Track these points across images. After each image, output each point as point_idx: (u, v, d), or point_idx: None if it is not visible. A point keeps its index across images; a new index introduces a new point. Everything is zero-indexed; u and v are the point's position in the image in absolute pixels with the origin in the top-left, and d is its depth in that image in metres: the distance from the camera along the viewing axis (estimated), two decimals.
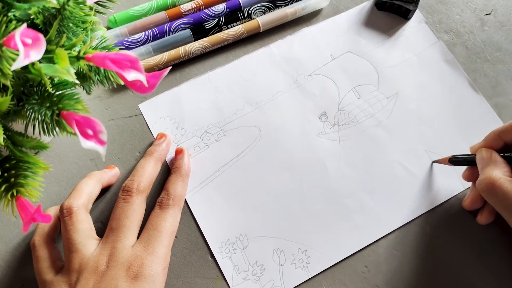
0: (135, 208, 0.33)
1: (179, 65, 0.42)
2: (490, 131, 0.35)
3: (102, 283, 0.30)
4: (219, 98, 0.41)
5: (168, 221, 0.33)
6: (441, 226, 0.38)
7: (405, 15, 0.44)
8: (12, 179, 0.26)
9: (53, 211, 0.35)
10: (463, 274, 0.36)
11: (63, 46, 0.26)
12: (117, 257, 0.31)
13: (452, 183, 0.39)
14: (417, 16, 0.45)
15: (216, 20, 0.43)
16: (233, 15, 0.43)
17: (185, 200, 0.38)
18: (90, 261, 0.31)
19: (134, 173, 0.35)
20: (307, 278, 0.36)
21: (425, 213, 0.38)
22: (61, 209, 0.33)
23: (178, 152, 0.38)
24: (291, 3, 0.44)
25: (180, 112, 0.41)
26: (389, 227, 0.37)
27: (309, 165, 0.39)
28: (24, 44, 0.22)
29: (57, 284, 0.31)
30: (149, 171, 0.36)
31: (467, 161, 0.36)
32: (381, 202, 0.38)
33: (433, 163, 0.39)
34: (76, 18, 0.27)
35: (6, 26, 0.23)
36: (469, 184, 0.38)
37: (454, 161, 0.36)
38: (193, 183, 0.38)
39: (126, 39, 0.41)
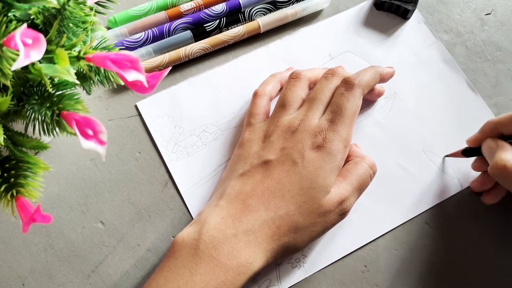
0: (332, 87, 0.36)
1: (179, 65, 0.42)
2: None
3: (290, 142, 0.34)
4: (218, 97, 0.41)
5: (351, 102, 0.35)
6: (440, 225, 0.38)
7: (404, 15, 0.44)
8: (12, 179, 0.26)
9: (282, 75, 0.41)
10: (463, 273, 0.36)
11: (63, 46, 0.26)
12: (306, 123, 0.35)
13: (450, 183, 0.39)
14: (416, 16, 0.45)
15: (217, 22, 0.43)
16: (234, 16, 0.43)
17: (182, 198, 0.38)
18: (285, 121, 0.35)
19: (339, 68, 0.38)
20: (304, 278, 0.36)
21: (424, 212, 0.38)
22: (290, 75, 0.38)
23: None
24: (292, 4, 0.44)
25: (178, 110, 0.41)
26: (386, 227, 0.37)
27: None
28: (24, 44, 0.22)
29: (257, 128, 0.37)
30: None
31: (479, 152, 0.36)
32: (378, 201, 0.38)
33: (445, 158, 0.40)
34: (76, 18, 0.27)
35: (6, 26, 0.23)
36: (468, 183, 0.39)
37: (467, 152, 0.37)
38: (190, 182, 0.38)
39: (126, 39, 0.41)
